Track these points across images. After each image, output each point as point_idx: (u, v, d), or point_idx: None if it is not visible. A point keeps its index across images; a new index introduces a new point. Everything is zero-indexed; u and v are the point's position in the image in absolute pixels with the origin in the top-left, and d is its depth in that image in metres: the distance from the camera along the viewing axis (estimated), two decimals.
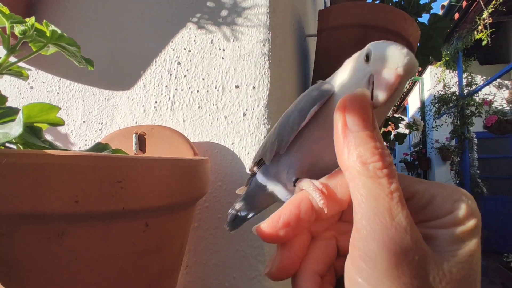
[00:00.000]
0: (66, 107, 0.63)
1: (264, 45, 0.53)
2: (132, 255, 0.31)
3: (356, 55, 0.27)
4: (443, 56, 4.15)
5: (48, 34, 0.31)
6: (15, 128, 0.20)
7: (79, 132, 0.61)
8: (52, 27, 0.30)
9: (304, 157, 0.27)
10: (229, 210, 0.35)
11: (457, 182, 4.29)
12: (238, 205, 0.34)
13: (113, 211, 0.28)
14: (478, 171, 4.22)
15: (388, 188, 0.17)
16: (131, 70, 0.60)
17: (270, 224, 0.21)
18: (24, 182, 0.25)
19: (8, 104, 0.39)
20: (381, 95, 0.22)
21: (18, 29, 0.27)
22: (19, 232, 0.26)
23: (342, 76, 0.26)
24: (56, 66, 0.65)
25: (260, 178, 0.32)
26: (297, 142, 0.28)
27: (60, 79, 0.64)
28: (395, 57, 0.23)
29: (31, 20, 0.27)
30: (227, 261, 0.50)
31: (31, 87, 0.65)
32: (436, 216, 0.19)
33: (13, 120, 0.23)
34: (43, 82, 0.65)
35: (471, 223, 0.18)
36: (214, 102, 0.54)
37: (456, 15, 3.85)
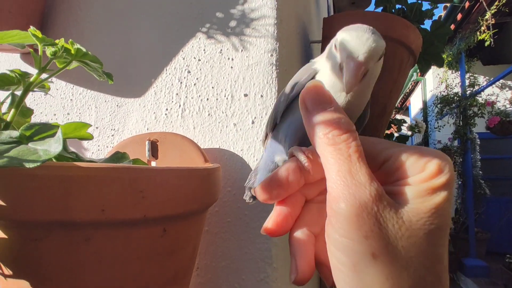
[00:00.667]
0: (79, 113, 0.65)
1: (271, 55, 0.55)
2: (150, 258, 0.34)
3: (332, 39, 0.29)
4: (445, 56, 4.15)
5: (73, 52, 0.33)
6: (54, 146, 0.22)
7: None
8: (77, 45, 0.32)
9: (296, 128, 0.30)
10: (246, 183, 0.38)
11: (460, 182, 4.29)
12: (252, 179, 0.38)
13: (135, 219, 0.30)
14: (480, 172, 4.22)
15: (347, 152, 0.20)
16: (143, 78, 0.62)
17: (263, 185, 0.24)
18: (55, 192, 0.27)
19: None
20: (348, 84, 0.24)
21: (49, 50, 0.29)
22: (49, 238, 0.29)
23: (324, 59, 0.30)
24: (69, 74, 0.67)
25: (267, 151, 0.36)
26: (291, 116, 0.31)
27: (73, 86, 0.67)
28: (356, 45, 0.25)
29: (60, 42, 0.29)
30: (236, 263, 0.52)
31: (45, 94, 0.68)
32: (408, 175, 0.20)
33: (49, 136, 0.25)
34: (57, 89, 0.67)
35: (439, 179, 0.19)
36: (224, 110, 0.56)
37: (459, 16, 3.85)
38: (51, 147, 0.22)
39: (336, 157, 0.20)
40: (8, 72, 0.37)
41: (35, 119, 0.67)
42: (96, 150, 0.63)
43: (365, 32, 0.25)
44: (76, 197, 0.28)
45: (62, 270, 0.30)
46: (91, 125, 0.31)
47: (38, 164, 0.20)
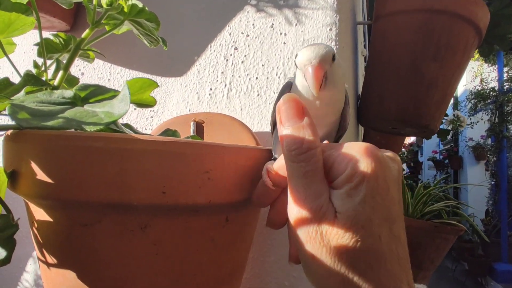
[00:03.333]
0: None
1: (330, 29, 0.49)
2: (211, 251, 0.29)
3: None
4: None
5: (126, 10, 0.28)
6: (119, 106, 0.17)
7: (130, 120, 0.60)
8: (133, 0, 0.28)
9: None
10: None
11: (493, 183, 4.07)
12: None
13: (199, 204, 0.25)
14: None
15: (304, 170, 0.23)
16: (184, 55, 0.58)
17: (253, 196, 0.29)
18: (111, 169, 0.23)
19: None
20: (313, 85, 0.29)
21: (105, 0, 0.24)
22: (101, 223, 0.24)
23: (296, 78, 0.34)
24: (107, 52, 0.63)
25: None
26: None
27: (111, 65, 0.63)
28: (307, 55, 0.30)
29: None
30: (286, 259, 0.47)
31: (82, 74, 0.65)
32: (335, 178, 0.23)
33: (107, 99, 0.20)
34: (94, 69, 0.64)
35: (354, 181, 0.22)
36: (275, 90, 0.50)
37: None
38: (114, 108, 0.17)
39: (294, 173, 0.23)
40: (51, 38, 0.33)
41: None
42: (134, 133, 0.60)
43: (312, 46, 0.30)
44: (134, 175, 0.23)
45: (112, 261, 0.26)
46: (158, 86, 0.26)
47: (101, 127, 0.15)
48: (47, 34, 0.66)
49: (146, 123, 0.59)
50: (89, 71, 0.64)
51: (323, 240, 0.22)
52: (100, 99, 0.20)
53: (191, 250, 0.27)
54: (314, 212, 0.22)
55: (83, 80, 0.65)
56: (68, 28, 0.64)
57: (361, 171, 0.22)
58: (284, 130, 0.24)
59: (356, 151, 0.23)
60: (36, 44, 0.30)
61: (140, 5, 0.27)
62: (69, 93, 0.19)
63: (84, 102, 0.20)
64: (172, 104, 0.57)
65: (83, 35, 0.25)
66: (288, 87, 0.35)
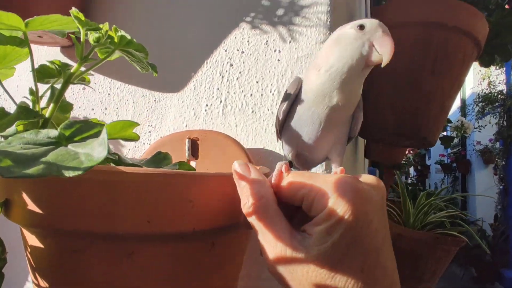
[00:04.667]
0: (117, 108, 0.63)
1: None
2: (198, 274, 0.30)
3: (336, 34, 0.32)
4: None
5: (116, 40, 0.29)
6: (98, 150, 0.18)
7: None
8: (122, 32, 0.29)
9: (290, 137, 0.35)
10: None
11: (501, 187, 4.01)
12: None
13: (184, 232, 0.26)
14: None
15: (258, 223, 0.25)
16: (181, 71, 0.59)
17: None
18: (99, 200, 0.24)
19: None
20: (387, 54, 0.28)
21: (92, 36, 0.25)
22: (91, 250, 0.25)
23: (334, 53, 0.30)
24: (107, 67, 0.65)
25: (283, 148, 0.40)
26: (285, 125, 0.36)
27: (111, 80, 0.64)
28: (376, 22, 0.29)
29: (105, 27, 0.26)
30: None
31: (83, 88, 0.66)
32: (316, 214, 0.23)
33: (91, 136, 0.21)
34: (95, 84, 0.65)
35: (332, 220, 0.22)
36: (269, 107, 0.51)
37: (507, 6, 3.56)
38: (94, 151, 0.18)
39: (253, 225, 0.26)
40: (47, 64, 0.34)
41: (73, 113, 0.65)
42: (132, 147, 0.61)
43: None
44: (120, 206, 0.24)
45: (102, 286, 0.27)
46: (139, 124, 0.27)
47: (80, 172, 0.16)
48: (50, 51, 0.68)
49: (144, 138, 0.60)
50: (90, 86, 0.66)
51: (300, 278, 0.23)
52: (85, 137, 0.21)
53: (179, 274, 0.28)
54: (281, 255, 0.23)
55: (85, 95, 0.66)
56: (71, 43, 0.66)
57: (340, 208, 0.22)
58: (238, 188, 0.27)
59: (335, 186, 0.23)
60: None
61: (128, 37, 0.28)
62: (54, 133, 0.20)
63: (68, 141, 0.21)
64: (170, 119, 0.58)
65: (72, 70, 0.26)
66: (299, 83, 0.34)
